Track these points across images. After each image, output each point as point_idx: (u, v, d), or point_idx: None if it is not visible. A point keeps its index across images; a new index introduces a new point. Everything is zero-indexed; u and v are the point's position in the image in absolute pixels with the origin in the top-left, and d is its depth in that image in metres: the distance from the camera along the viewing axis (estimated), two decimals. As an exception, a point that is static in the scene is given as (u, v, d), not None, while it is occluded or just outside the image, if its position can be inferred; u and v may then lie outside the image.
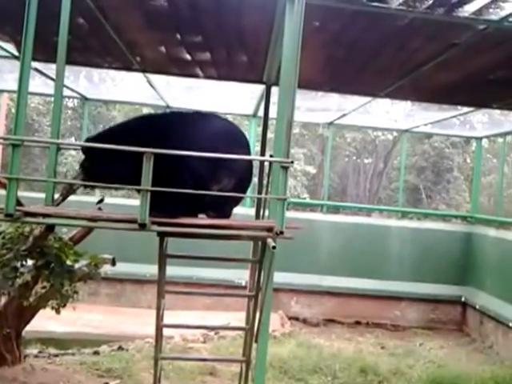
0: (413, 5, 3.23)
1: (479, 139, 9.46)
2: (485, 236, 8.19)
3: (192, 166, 2.85)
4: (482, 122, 9.86)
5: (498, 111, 8.13)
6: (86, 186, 3.06)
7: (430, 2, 3.18)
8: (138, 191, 2.62)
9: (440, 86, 5.23)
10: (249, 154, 3.31)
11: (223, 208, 3.10)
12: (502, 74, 4.60)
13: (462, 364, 6.39)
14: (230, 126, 3.43)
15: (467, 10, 3.29)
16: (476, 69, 4.49)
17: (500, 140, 10.02)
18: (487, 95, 5.61)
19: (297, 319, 8.06)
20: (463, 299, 8.32)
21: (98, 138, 3.03)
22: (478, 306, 7.86)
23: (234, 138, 3.20)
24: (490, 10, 3.27)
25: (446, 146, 15.49)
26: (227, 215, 3.11)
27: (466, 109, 7.03)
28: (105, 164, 2.83)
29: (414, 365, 6.14)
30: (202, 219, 3.01)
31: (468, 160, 16.03)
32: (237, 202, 3.25)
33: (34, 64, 5.30)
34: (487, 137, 9.90)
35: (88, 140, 3.08)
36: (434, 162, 15.81)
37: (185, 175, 2.83)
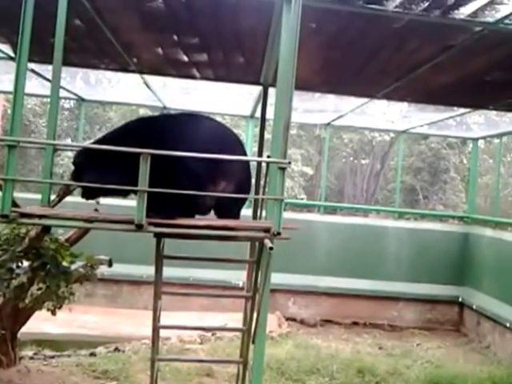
0: (409, 7, 3.25)
1: (475, 140, 9.50)
2: (481, 236, 8.22)
3: (189, 169, 2.84)
4: (478, 122, 9.90)
5: (494, 112, 8.16)
6: (83, 196, 3.01)
7: (426, 4, 3.20)
8: (135, 194, 2.61)
9: (436, 87, 5.25)
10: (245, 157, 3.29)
11: (229, 211, 3.08)
12: (497, 75, 4.62)
13: (459, 364, 6.40)
14: (223, 128, 3.38)
15: (463, 12, 3.30)
16: (472, 70, 4.51)
17: (496, 141, 10.07)
18: (483, 96, 5.63)
19: (294, 320, 8.06)
20: (460, 299, 8.34)
21: (92, 150, 2.98)
22: (475, 307, 7.89)
23: (228, 140, 3.18)
24: (486, 12, 3.29)
25: (443, 146, 15.55)
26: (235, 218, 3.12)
27: (462, 110, 7.06)
28: (97, 174, 2.79)
29: (411, 365, 6.14)
30: (199, 220, 3.00)
31: (464, 161, 16.08)
32: (241, 203, 3.24)
33: (31, 65, 5.29)
34: (483, 138, 9.94)
35: (81, 153, 3.02)
36: (430, 162, 15.86)
37: (182, 178, 2.81)
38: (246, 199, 3.36)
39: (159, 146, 2.62)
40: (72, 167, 3.09)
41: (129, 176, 2.60)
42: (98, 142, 3.04)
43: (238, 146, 3.23)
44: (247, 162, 3.32)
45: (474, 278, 8.13)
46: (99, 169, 2.80)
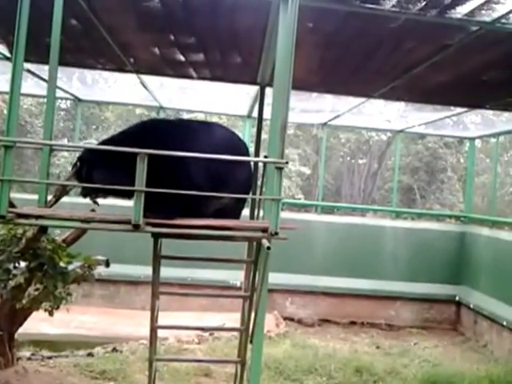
0: (406, 6, 3.25)
1: (472, 139, 9.52)
2: (478, 235, 8.25)
3: (191, 176, 2.85)
4: (474, 122, 9.93)
5: (490, 111, 8.19)
6: (81, 193, 3.01)
7: (423, 3, 3.20)
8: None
9: (433, 86, 5.26)
10: (251, 173, 3.29)
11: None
12: (494, 74, 4.63)
13: (456, 363, 6.42)
14: (237, 142, 3.30)
15: (460, 12, 3.31)
16: (469, 70, 4.52)
17: (493, 140, 10.10)
18: (480, 96, 5.65)
19: (292, 320, 8.07)
20: (457, 298, 8.36)
21: (109, 142, 2.97)
22: (472, 305, 7.91)
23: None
24: (483, 12, 3.30)
25: (440, 146, 15.57)
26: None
27: (459, 109, 7.08)
28: (103, 172, 2.78)
29: (408, 364, 6.16)
30: (196, 220, 3.00)
31: (461, 160, 16.12)
32: (240, 211, 3.25)
33: (27, 65, 5.28)
34: (480, 137, 9.96)
35: (89, 150, 3.03)
36: (427, 162, 15.88)
37: (184, 182, 2.80)
38: (243, 207, 3.35)
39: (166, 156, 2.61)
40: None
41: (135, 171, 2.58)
42: (109, 140, 3.05)
43: (247, 162, 3.23)
44: (250, 177, 3.30)
45: (471, 277, 8.15)
46: (106, 168, 2.78)
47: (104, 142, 3.08)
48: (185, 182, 2.80)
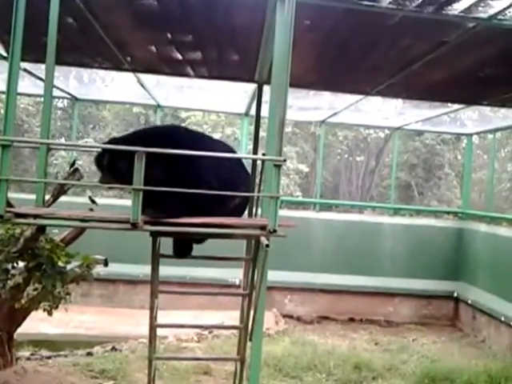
0: (403, 3, 3.26)
1: (469, 136, 9.54)
2: (476, 231, 8.27)
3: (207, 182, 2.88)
4: (472, 118, 9.96)
5: (487, 108, 8.21)
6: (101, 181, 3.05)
7: (420, 0, 3.21)
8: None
9: (430, 83, 5.26)
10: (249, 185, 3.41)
11: None
12: (491, 71, 4.64)
13: (455, 358, 6.44)
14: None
15: (456, 9, 3.31)
16: (466, 66, 4.53)
17: (490, 136, 10.13)
18: (477, 92, 5.66)
19: (291, 317, 8.09)
20: (456, 294, 8.39)
21: (123, 139, 3.03)
22: (470, 301, 7.94)
23: (242, 176, 3.26)
24: (479, 8, 3.30)
25: (437, 142, 15.59)
26: None
27: (456, 106, 7.09)
28: (124, 164, 2.78)
29: (407, 360, 6.18)
30: (195, 218, 3.00)
31: (459, 156, 16.14)
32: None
33: (23, 64, 5.26)
34: (477, 133, 9.99)
35: (112, 140, 3.09)
36: (425, 158, 15.91)
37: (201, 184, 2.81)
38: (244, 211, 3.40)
39: (184, 158, 2.68)
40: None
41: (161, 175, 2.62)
42: (125, 137, 3.10)
43: (246, 174, 3.35)
44: (249, 184, 3.41)
45: (469, 272, 8.18)
46: (127, 160, 2.77)
47: (125, 137, 3.14)
48: (193, 184, 2.81)
